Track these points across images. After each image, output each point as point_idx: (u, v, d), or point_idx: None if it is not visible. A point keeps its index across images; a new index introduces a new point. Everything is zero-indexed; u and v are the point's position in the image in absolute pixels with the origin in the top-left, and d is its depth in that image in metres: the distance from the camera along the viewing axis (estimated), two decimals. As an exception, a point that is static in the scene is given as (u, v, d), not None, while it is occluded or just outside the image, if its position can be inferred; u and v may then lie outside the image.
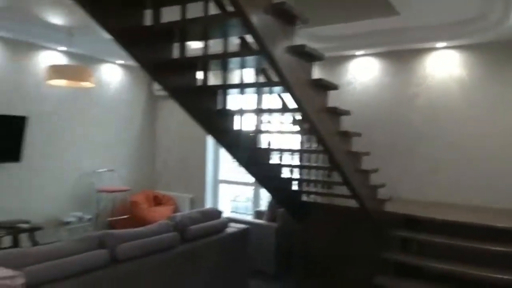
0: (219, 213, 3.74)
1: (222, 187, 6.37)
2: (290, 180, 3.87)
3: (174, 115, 6.55)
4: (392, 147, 4.57)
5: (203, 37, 2.67)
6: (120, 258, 2.63)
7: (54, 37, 4.77)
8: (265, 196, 6.04)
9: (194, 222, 3.37)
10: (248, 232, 3.81)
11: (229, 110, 3.14)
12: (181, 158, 6.43)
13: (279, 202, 4.11)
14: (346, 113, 2.64)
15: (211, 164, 6.27)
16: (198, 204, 6.22)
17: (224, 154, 6.34)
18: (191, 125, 6.43)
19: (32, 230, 4.35)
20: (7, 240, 4.24)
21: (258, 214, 5.15)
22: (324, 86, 2.38)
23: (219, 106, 3.09)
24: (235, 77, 3.50)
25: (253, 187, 6.04)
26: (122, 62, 6.04)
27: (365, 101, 4.75)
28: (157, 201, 6.19)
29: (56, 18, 4.47)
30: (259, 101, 3.31)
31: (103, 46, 5.31)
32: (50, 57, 5.10)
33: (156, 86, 6.50)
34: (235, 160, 3.49)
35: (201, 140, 6.21)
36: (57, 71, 3.56)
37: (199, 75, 2.93)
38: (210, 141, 6.24)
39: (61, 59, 5.21)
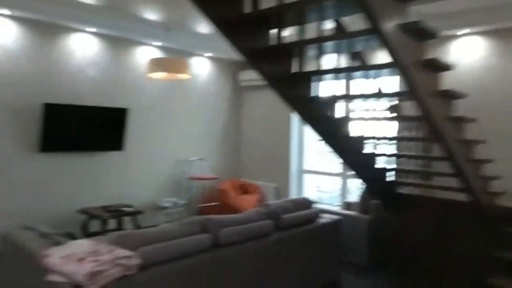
0: (310, 203, 3.69)
1: (306, 177, 6.30)
2: (385, 170, 3.67)
3: (258, 106, 6.62)
4: (504, 135, 4.10)
5: (300, 21, 2.61)
6: (221, 243, 2.71)
7: (151, 32, 5.07)
8: (353, 187, 5.86)
9: (286, 211, 3.36)
10: (340, 223, 3.71)
11: (323, 97, 3.05)
12: (266, 148, 6.48)
13: (373, 193, 3.93)
14: (462, 96, 2.40)
15: (295, 154, 6.23)
16: (282, 194, 6.23)
17: (308, 144, 6.27)
18: (275, 115, 6.57)
19: (135, 214, 4.70)
20: (112, 223, 4.65)
21: (347, 205, 5.00)
22: (437, 67, 2.17)
23: (313, 93, 3.01)
24: (325, 63, 3.39)
25: (340, 178, 5.89)
26: (210, 54, 6.23)
27: (471, 84, 4.32)
28: (244, 189, 6.33)
29: (153, 14, 4.74)
30: (350, 87, 3.18)
31: (194, 40, 5.54)
32: (147, 52, 5.43)
33: (241, 77, 6.61)
34: (330, 149, 3.39)
35: (286, 130, 6.20)
36: (157, 64, 3.76)
37: (293, 61, 2.88)
38: (294, 131, 6.20)
39: (156, 54, 5.52)
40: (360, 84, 3.19)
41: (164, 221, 5.49)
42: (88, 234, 4.46)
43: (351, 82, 3.13)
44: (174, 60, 3.94)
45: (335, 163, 6.10)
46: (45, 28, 4.50)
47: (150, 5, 4.46)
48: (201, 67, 6.24)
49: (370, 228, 4.17)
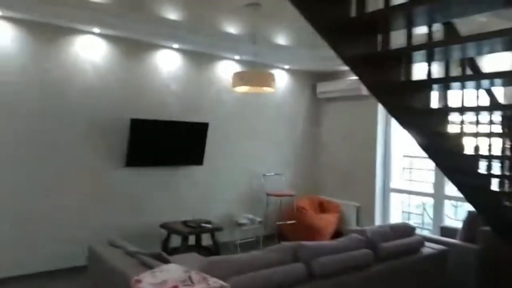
0: (412, 229, 3.26)
1: (393, 196, 5.78)
2: (501, 193, 3.13)
3: (338, 119, 6.27)
4: None
5: (409, 25, 2.28)
6: (316, 273, 2.42)
7: (231, 46, 5.01)
8: (449, 209, 5.25)
9: (385, 239, 2.97)
10: (447, 254, 3.22)
11: (433, 109, 2.66)
12: (347, 163, 6.08)
13: (485, 219, 3.38)
14: None
15: (380, 170, 5.75)
16: (365, 214, 5.77)
17: (395, 159, 5.77)
18: (357, 128, 6.15)
19: (214, 231, 4.58)
20: (191, 238, 4.57)
21: (444, 231, 4.44)
22: None
23: (422, 103, 2.64)
24: (433, 71, 2.99)
25: (432, 198, 5.30)
26: (288, 67, 6.04)
27: None
28: (322, 207, 5.98)
29: (232, 27, 4.67)
30: (463, 98, 2.75)
31: (272, 52, 5.38)
32: (228, 66, 5.39)
33: (320, 89, 6.32)
34: (439, 168, 2.96)
35: (370, 144, 5.76)
36: (242, 77, 3.63)
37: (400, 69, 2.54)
38: (379, 145, 5.74)
39: (237, 67, 5.46)
40: (468, 95, 2.76)
41: (241, 238, 5.33)
42: (169, 250, 4.42)
43: (457, 92, 2.74)
44: (259, 73, 3.79)
45: (426, 181, 5.53)
46: (131, 44, 4.61)
47: (232, 18, 4.39)
48: (279, 80, 6.06)
49: (479, 260, 3.59)
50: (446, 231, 4.41)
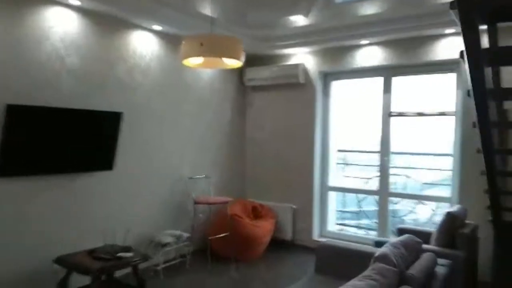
0: (419, 244, 2.65)
1: (331, 195, 5.28)
2: None
3: (271, 110, 5.49)
4: None
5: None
6: None
7: (150, 11, 3.79)
8: (405, 209, 4.95)
9: (405, 261, 2.29)
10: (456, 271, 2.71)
11: None
12: (281, 161, 5.35)
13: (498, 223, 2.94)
14: None
15: (318, 167, 5.17)
16: (302, 216, 5.14)
17: (332, 156, 5.25)
18: (293, 121, 5.43)
19: (137, 262, 3.33)
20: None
21: (404, 233, 4.02)
22: None
23: None
24: None
25: (376, 196, 4.93)
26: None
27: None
28: (256, 213, 5.14)
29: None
30: None
31: (189, 23, 4.27)
32: (142, 38, 4.12)
33: (248, 75, 5.44)
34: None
35: (307, 139, 5.13)
36: (201, 43, 2.46)
37: None
38: (318, 140, 5.14)
39: (153, 42, 4.22)
40: None
41: (164, 261, 4.17)
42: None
43: None
44: (225, 38, 2.67)
45: (361, 177, 5.16)
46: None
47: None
48: (203, 62, 5.01)
49: (469, 269, 3.21)
50: (406, 233, 4.00)
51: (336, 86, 5.19)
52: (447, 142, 4.43)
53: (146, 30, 4.16)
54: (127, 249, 3.37)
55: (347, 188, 5.37)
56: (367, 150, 5.19)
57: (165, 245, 4.10)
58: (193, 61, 2.76)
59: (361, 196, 5.34)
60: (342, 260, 2.95)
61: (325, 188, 5.21)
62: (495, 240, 2.91)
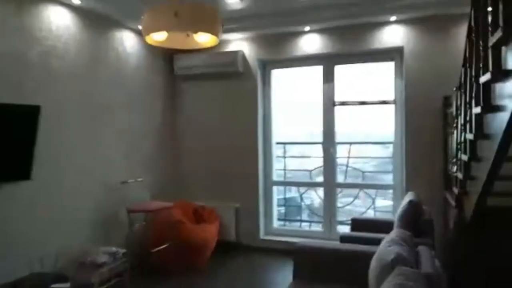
0: (411, 238, 2.50)
1: (275, 190, 5.03)
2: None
3: (203, 103, 5.00)
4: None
5: None
6: None
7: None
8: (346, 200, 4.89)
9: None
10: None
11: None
12: (219, 157, 4.92)
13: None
14: None
15: (262, 162, 4.88)
16: (246, 215, 4.81)
17: (274, 149, 5.00)
18: (232, 114, 4.91)
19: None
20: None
21: (358, 224, 3.96)
22: None
23: None
24: None
25: (322, 188, 4.81)
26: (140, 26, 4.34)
27: None
28: (198, 215, 4.64)
29: None
30: None
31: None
32: (55, 14, 3.31)
33: (179, 63, 4.87)
34: None
35: (249, 132, 4.79)
36: (174, 13, 1.89)
37: None
38: (260, 133, 4.84)
39: (66, 18, 3.44)
40: None
41: (100, 282, 3.47)
42: None
43: None
44: (201, 7, 2.10)
45: (311, 170, 5.02)
46: None
47: None
48: (130, 45, 4.31)
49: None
50: (362, 225, 3.95)
51: (276, 75, 4.93)
52: (389, 130, 4.50)
53: (58, 4, 3.36)
54: (62, 277, 2.66)
55: (292, 182, 5.18)
56: (310, 141, 5.05)
57: (100, 265, 3.40)
58: (156, 37, 2.19)
59: (302, 189, 5.20)
60: (325, 262, 2.70)
61: (269, 183, 4.95)
62: (469, 225, 2.92)
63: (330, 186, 4.70)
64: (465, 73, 2.74)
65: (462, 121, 2.79)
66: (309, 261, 2.74)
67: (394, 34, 4.21)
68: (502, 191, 2.58)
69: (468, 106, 2.54)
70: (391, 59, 4.38)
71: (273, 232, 4.91)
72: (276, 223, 5.05)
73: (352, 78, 4.62)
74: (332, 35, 4.43)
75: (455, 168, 3.01)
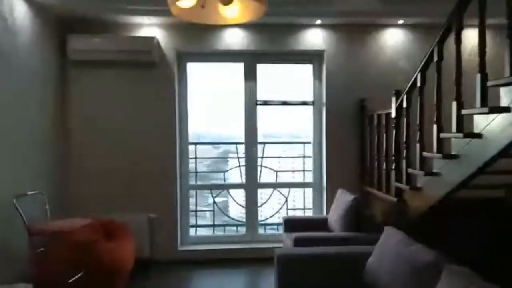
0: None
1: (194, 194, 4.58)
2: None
3: (111, 95, 4.19)
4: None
5: None
6: None
7: None
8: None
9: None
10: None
11: None
12: (128, 161, 4.19)
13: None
14: None
15: (179, 164, 4.37)
16: (164, 225, 4.23)
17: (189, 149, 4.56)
18: (142, 110, 4.27)
19: None
20: None
21: (292, 224, 3.95)
22: None
23: None
24: None
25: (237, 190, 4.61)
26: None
27: None
28: (108, 231, 3.81)
29: None
30: None
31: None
32: None
33: (74, 45, 3.94)
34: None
35: (165, 130, 4.24)
36: None
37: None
38: (178, 132, 4.33)
39: None
40: None
41: None
42: None
43: None
44: None
45: (226, 170, 4.75)
46: None
47: None
48: (20, 19, 3.26)
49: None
50: (296, 224, 3.95)
51: (193, 69, 4.48)
52: (308, 130, 4.62)
53: None
54: None
55: (212, 185, 4.79)
56: (230, 141, 4.78)
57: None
58: (184, 4, 1.62)
59: (215, 191, 4.88)
60: (312, 270, 2.53)
61: (186, 188, 4.47)
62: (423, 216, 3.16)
63: (252, 186, 4.55)
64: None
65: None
66: (295, 270, 2.54)
67: (316, 38, 4.33)
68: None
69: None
70: (310, 62, 4.50)
71: (192, 241, 4.47)
72: (194, 231, 4.61)
73: (274, 77, 4.56)
74: (256, 32, 4.28)
75: (403, 165, 3.25)
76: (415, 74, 3.02)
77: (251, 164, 4.52)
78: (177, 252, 4.27)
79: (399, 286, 2.05)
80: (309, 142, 4.64)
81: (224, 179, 4.81)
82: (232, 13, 1.67)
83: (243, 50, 4.31)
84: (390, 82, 4.27)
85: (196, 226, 4.78)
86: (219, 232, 4.86)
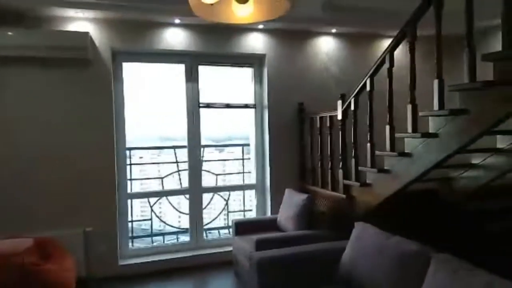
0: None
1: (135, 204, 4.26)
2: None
3: (30, 96, 3.67)
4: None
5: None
6: None
7: None
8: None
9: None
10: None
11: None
12: (58, 169, 3.73)
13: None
14: None
15: (117, 171, 4.03)
16: (102, 239, 3.86)
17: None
18: (74, 112, 3.87)
19: None
20: None
21: (243, 226, 3.96)
22: None
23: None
24: None
25: (187, 196, 4.45)
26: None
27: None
28: (44, 251, 3.34)
29: None
30: None
31: None
32: None
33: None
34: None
35: (100, 136, 3.89)
36: None
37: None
38: (115, 135, 4.00)
39: None
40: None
41: None
42: None
43: None
44: None
45: (163, 177, 4.53)
46: None
47: None
48: None
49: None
50: (247, 226, 3.97)
51: (129, 69, 4.18)
52: (249, 133, 4.67)
53: None
54: None
55: (150, 192, 4.49)
56: (170, 145, 4.56)
57: None
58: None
59: (152, 199, 4.61)
60: (291, 270, 2.57)
61: (125, 197, 4.14)
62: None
63: (197, 191, 4.41)
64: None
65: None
66: (275, 272, 2.55)
67: (257, 42, 4.40)
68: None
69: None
70: (251, 65, 4.55)
71: (133, 254, 4.16)
72: (134, 243, 4.30)
73: (217, 79, 4.50)
74: (198, 32, 4.18)
75: (352, 164, 3.49)
76: (364, 79, 3.27)
77: (195, 168, 4.38)
78: (117, 267, 3.93)
79: (384, 278, 2.19)
80: (248, 145, 4.70)
81: (162, 185, 4.58)
82: (246, 12, 1.61)
83: (184, 50, 4.17)
84: (324, 87, 4.58)
85: (133, 237, 4.46)
86: (158, 243, 4.60)
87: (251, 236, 3.51)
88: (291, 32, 4.48)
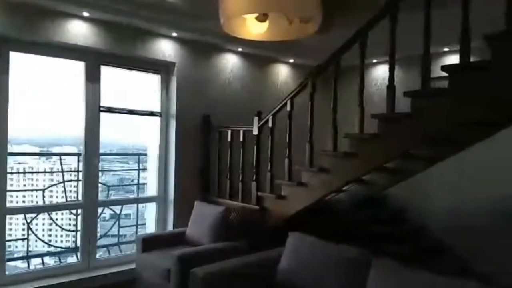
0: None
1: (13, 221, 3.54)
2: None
3: None
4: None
5: None
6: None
7: None
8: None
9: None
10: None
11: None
12: None
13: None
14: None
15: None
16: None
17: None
18: None
19: None
20: None
21: (150, 242, 3.75)
22: None
23: None
24: None
25: (81, 209, 3.92)
26: None
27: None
28: None
29: None
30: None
31: None
32: None
33: None
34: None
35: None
36: None
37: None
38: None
39: None
40: None
41: None
42: None
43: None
44: None
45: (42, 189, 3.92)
46: None
47: None
48: None
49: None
50: (155, 242, 3.76)
51: (18, 60, 3.52)
52: (151, 142, 4.45)
53: None
54: None
55: (37, 207, 3.76)
56: (60, 152, 3.96)
57: None
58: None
59: (30, 216, 3.89)
60: (234, 283, 2.59)
61: (3, 212, 3.42)
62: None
63: (91, 205, 3.94)
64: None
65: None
66: (220, 287, 2.52)
67: (168, 49, 4.26)
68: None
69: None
70: (158, 72, 4.37)
71: (12, 281, 3.44)
72: (10, 268, 3.56)
73: (121, 83, 4.16)
74: (103, 29, 3.80)
75: (268, 177, 3.69)
76: (285, 100, 3.54)
77: (90, 179, 3.92)
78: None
79: (326, 284, 2.41)
80: (145, 154, 4.48)
81: (43, 199, 3.95)
82: (261, 30, 1.62)
83: (87, 47, 3.74)
84: (228, 102, 4.73)
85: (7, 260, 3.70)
86: (35, 265, 3.92)
87: (169, 251, 3.34)
88: (202, 44, 4.48)
